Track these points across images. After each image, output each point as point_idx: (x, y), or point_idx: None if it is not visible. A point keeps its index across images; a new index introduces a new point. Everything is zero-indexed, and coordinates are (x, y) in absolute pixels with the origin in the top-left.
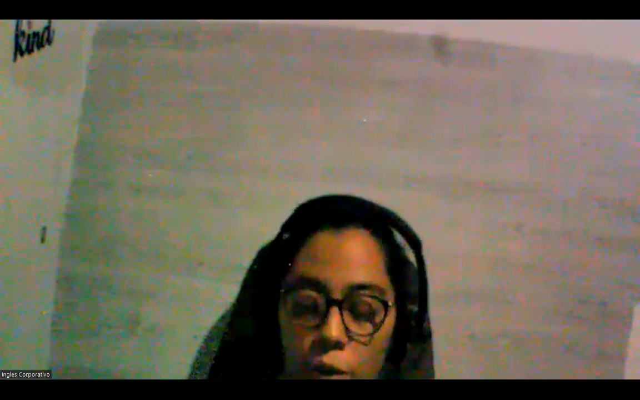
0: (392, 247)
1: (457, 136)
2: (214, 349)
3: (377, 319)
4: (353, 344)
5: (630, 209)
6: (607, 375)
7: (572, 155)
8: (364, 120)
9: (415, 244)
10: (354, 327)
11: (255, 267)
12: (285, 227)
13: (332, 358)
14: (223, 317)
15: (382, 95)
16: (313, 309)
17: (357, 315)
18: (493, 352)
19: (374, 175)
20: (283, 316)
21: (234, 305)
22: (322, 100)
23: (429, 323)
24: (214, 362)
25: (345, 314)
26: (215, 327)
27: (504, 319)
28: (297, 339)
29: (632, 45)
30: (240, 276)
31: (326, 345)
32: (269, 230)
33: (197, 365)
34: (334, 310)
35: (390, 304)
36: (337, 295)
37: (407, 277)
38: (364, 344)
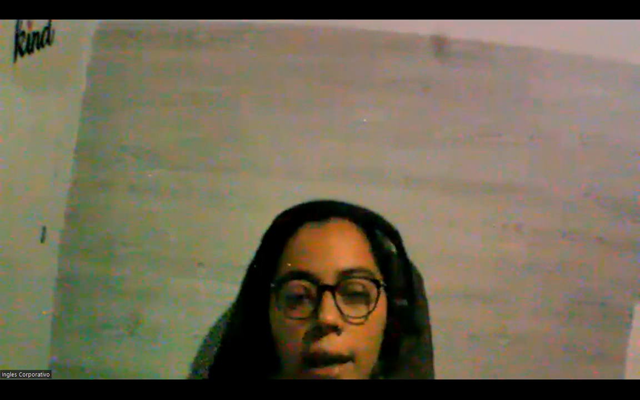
0: (375, 237)
1: (457, 136)
2: (214, 349)
3: (371, 300)
4: (349, 328)
5: (630, 209)
6: (607, 375)
7: (572, 155)
8: (364, 120)
9: (395, 234)
10: (348, 310)
11: (255, 266)
12: (266, 237)
13: (331, 344)
14: (223, 317)
15: (382, 95)
16: (306, 299)
17: (351, 299)
18: (493, 352)
19: (374, 175)
20: (275, 314)
21: (233, 305)
22: (322, 100)
23: (427, 321)
24: (214, 362)
25: (339, 298)
26: (215, 327)
27: (504, 319)
28: (292, 331)
29: (632, 45)
30: (240, 276)
31: (322, 330)
32: None
33: (197, 365)
34: (327, 295)
35: (382, 283)
36: (328, 281)
37: (393, 270)
38: (360, 324)
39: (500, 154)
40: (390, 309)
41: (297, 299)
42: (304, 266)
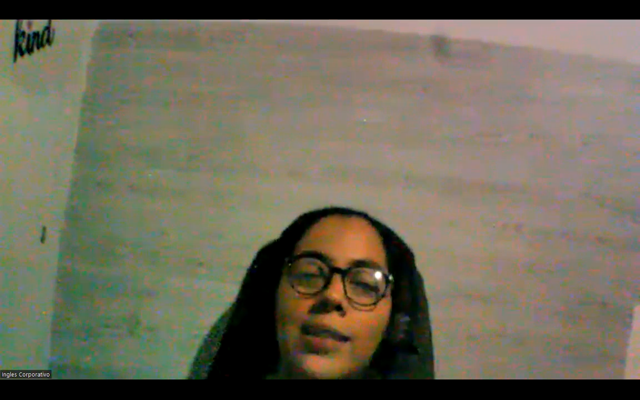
0: (391, 247)
1: (457, 136)
2: (214, 349)
3: (379, 291)
4: (352, 313)
5: (630, 209)
6: (607, 375)
7: (572, 155)
8: (364, 120)
9: (409, 253)
10: (355, 296)
11: (255, 267)
12: (288, 229)
13: (333, 320)
14: (223, 317)
15: (382, 95)
16: (317, 278)
17: (359, 287)
18: (493, 352)
19: (374, 175)
20: (284, 290)
21: (234, 304)
22: (322, 100)
23: (427, 321)
24: (214, 361)
25: (348, 283)
26: (215, 327)
27: (504, 319)
28: (298, 304)
29: (632, 45)
30: (240, 276)
31: (327, 307)
32: (269, 230)
33: (197, 365)
34: (337, 277)
35: (391, 279)
36: (341, 265)
37: (401, 283)
38: (367, 311)
39: (500, 154)
40: (392, 319)
41: (309, 277)
42: (319, 248)
